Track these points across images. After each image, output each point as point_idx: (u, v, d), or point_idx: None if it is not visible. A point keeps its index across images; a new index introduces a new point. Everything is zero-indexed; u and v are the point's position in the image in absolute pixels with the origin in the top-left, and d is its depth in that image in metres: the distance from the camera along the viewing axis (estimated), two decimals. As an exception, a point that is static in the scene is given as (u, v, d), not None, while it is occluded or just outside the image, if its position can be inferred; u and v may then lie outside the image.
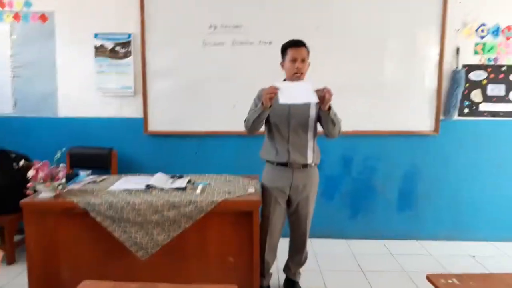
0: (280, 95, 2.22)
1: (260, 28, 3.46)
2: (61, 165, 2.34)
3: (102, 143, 3.59)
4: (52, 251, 2.30)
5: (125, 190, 2.40)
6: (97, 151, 3.54)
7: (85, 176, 2.71)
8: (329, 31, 3.45)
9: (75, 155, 3.54)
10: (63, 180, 2.32)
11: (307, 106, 2.41)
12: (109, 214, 2.19)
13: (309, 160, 2.46)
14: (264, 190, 2.51)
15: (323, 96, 2.23)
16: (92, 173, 2.84)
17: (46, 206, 2.25)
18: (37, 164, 2.27)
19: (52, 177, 2.28)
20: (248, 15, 3.45)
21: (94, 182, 2.61)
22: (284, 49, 2.44)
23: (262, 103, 2.28)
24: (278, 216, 2.52)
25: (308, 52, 2.43)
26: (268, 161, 2.54)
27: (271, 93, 2.23)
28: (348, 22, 3.46)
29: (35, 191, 2.30)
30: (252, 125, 2.40)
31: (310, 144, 2.47)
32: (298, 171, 2.46)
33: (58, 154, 2.36)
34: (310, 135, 2.46)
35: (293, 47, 2.39)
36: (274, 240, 2.57)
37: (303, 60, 2.37)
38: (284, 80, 2.47)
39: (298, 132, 2.43)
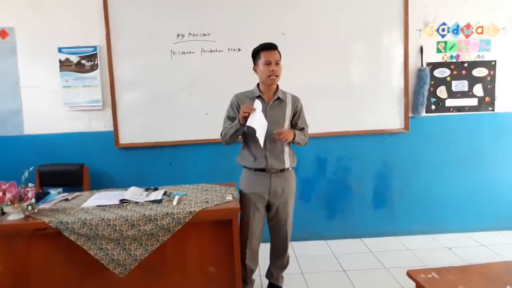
0: (250, 117, 2.30)
1: (228, 36, 3.46)
2: (30, 184, 2.26)
3: (72, 159, 3.48)
4: (24, 276, 2.21)
5: (99, 206, 2.33)
6: (68, 167, 3.44)
7: (56, 195, 2.62)
8: (295, 36, 3.48)
9: (44, 173, 3.42)
10: (33, 200, 2.24)
11: (282, 116, 2.47)
12: (83, 232, 2.12)
13: (287, 165, 2.49)
14: (242, 196, 2.51)
15: (279, 139, 2.35)
16: (64, 191, 2.75)
17: (16, 229, 2.16)
18: (3, 186, 2.18)
19: (20, 198, 2.19)
20: (216, 23, 3.45)
21: (66, 200, 2.53)
22: (257, 52, 2.44)
23: (239, 120, 2.34)
24: (258, 222, 2.52)
25: (280, 55, 2.44)
26: (245, 167, 2.54)
27: (247, 113, 2.29)
28: (313, 26, 3.50)
29: (3, 213, 2.21)
30: (229, 139, 2.46)
31: (286, 149, 2.50)
32: (275, 176, 2.47)
33: (26, 174, 2.28)
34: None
35: (266, 50, 2.40)
36: (254, 245, 2.56)
37: (277, 63, 2.39)
38: (258, 84, 2.49)
39: (274, 139, 2.42)
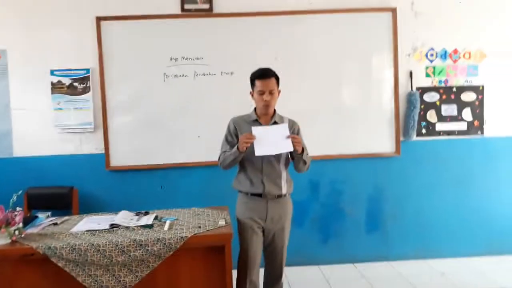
0: (256, 145, 2.27)
1: (221, 60, 3.49)
2: (18, 208, 2.21)
3: (62, 182, 3.43)
4: (9, 303, 2.14)
5: (88, 231, 2.28)
6: (57, 190, 3.39)
7: (44, 219, 2.57)
8: (287, 60, 3.52)
9: (33, 196, 3.36)
10: (20, 225, 2.18)
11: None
12: (72, 257, 2.07)
13: (284, 191, 2.45)
14: (238, 222, 2.45)
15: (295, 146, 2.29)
16: (53, 214, 2.71)
17: (2, 254, 2.09)
18: (-9, 210, 2.13)
19: (7, 222, 2.13)
20: (209, 47, 3.49)
21: (55, 224, 2.47)
22: (252, 79, 2.43)
23: (238, 148, 2.30)
24: (257, 247, 2.43)
25: (277, 80, 2.43)
26: (241, 191, 2.49)
27: (247, 142, 2.26)
28: (305, 51, 3.56)
29: (-11, 238, 2.14)
30: (228, 165, 2.42)
31: (284, 174, 2.46)
32: (272, 202, 2.43)
33: (14, 198, 2.23)
34: (282, 165, 2.46)
35: (261, 79, 2.37)
36: (255, 279, 2.46)
37: (271, 92, 2.36)
38: (255, 108, 2.49)
39: (271, 162, 2.41)
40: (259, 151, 2.28)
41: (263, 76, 2.38)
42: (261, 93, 2.36)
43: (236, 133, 2.44)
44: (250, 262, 2.41)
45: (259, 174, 2.40)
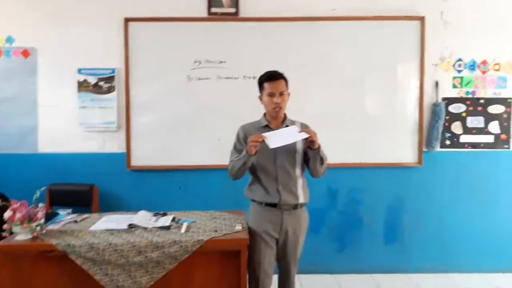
0: (268, 141, 2.19)
1: (244, 64, 3.50)
2: (40, 204, 2.26)
3: (83, 180, 3.50)
4: (28, 298, 2.18)
5: (107, 230, 2.31)
6: (78, 187, 3.45)
7: (65, 215, 2.62)
8: (313, 66, 3.52)
9: (55, 192, 3.44)
10: (42, 221, 2.23)
11: (293, 145, 2.31)
12: (90, 256, 2.10)
13: (301, 200, 2.35)
14: (251, 233, 2.34)
15: (310, 135, 2.18)
16: (73, 211, 2.75)
17: (23, 249, 2.14)
18: (15, 205, 2.18)
19: (30, 218, 2.18)
20: (232, 51, 3.50)
21: (75, 221, 2.52)
22: (261, 83, 2.35)
23: (247, 151, 2.20)
24: (270, 260, 2.34)
25: (286, 82, 2.35)
26: (254, 201, 2.41)
27: (257, 142, 2.16)
28: (330, 58, 3.54)
29: (11, 233, 2.20)
30: (237, 172, 2.31)
31: (300, 181, 2.36)
32: (287, 214, 2.33)
33: (38, 194, 2.28)
34: (298, 171, 2.36)
35: (270, 81, 2.30)
36: (267, 285, 2.36)
37: (281, 94, 2.29)
38: (264, 114, 2.44)
39: (286, 169, 2.32)
40: (273, 144, 2.18)
41: (272, 78, 2.31)
42: (271, 95, 2.29)
43: (246, 141, 2.28)
44: (262, 275, 2.32)
45: (274, 182, 2.32)
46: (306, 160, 2.39)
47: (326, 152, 2.38)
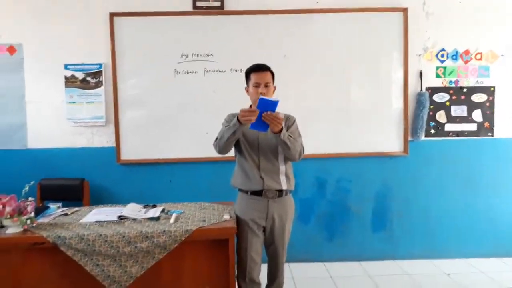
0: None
1: (231, 57, 3.53)
2: (30, 198, 2.28)
3: (73, 174, 3.52)
4: (19, 290, 2.21)
5: (97, 222, 2.35)
6: (69, 182, 3.47)
7: (55, 209, 2.64)
8: (297, 58, 3.56)
9: (46, 187, 3.45)
10: (32, 214, 2.26)
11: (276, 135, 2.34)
12: (81, 247, 2.14)
13: (283, 186, 2.40)
14: (238, 221, 2.40)
15: (270, 118, 2.15)
16: (64, 205, 2.77)
17: (14, 242, 2.17)
18: (4, 199, 2.20)
19: (20, 212, 2.21)
20: (219, 44, 3.53)
21: (65, 214, 2.55)
22: (248, 73, 2.40)
23: (239, 120, 2.19)
24: (257, 248, 2.40)
25: (272, 75, 2.40)
26: (241, 190, 2.47)
27: (250, 116, 2.13)
28: (314, 49, 3.57)
29: (2, 226, 2.22)
30: (225, 143, 2.29)
31: (282, 169, 2.41)
32: (273, 202, 2.39)
33: (27, 188, 2.30)
34: (281, 159, 2.41)
35: (256, 72, 2.35)
36: (255, 273, 2.43)
37: (266, 85, 2.33)
38: (250, 105, 2.45)
39: (268, 157, 2.38)
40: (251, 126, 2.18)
41: (259, 69, 2.36)
42: (257, 85, 2.33)
43: None
44: (249, 261, 2.39)
45: (257, 169, 2.37)
46: None
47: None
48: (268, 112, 2.14)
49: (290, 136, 2.31)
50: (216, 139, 2.38)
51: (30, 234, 2.18)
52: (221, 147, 2.34)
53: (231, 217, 2.41)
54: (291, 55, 3.55)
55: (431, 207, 3.75)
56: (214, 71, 3.54)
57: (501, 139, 3.72)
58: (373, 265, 3.63)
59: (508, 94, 3.69)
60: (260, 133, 2.38)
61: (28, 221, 2.23)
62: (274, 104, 2.14)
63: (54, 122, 3.55)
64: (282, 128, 2.22)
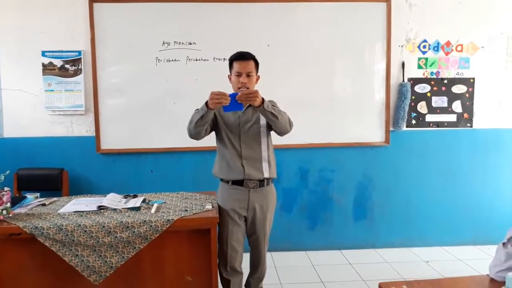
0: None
1: (214, 45, 3.49)
2: (5, 188, 2.22)
3: (52, 164, 3.45)
4: (-4, 281, 2.17)
5: (76, 212, 2.31)
6: (47, 172, 3.40)
7: (32, 199, 2.58)
8: (280, 48, 3.54)
9: (23, 177, 3.38)
10: (8, 205, 2.20)
11: (257, 120, 2.36)
12: (59, 238, 2.09)
13: (265, 174, 2.37)
14: (221, 211, 2.37)
15: (245, 97, 2.11)
16: (42, 195, 2.71)
17: (-12, 233, 2.12)
18: (-22, 189, 2.14)
19: (-5, 202, 2.15)
20: (202, 32, 3.48)
21: (43, 205, 2.49)
22: (231, 61, 2.36)
23: (207, 104, 2.16)
24: (238, 237, 2.40)
25: (256, 65, 2.36)
26: (222, 180, 2.44)
27: (220, 99, 2.10)
28: (298, 39, 3.56)
29: (-24, 217, 2.16)
30: (195, 127, 2.26)
31: (265, 155, 2.38)
32: (254, 192, 2.36)
33: (2, 177, 2.24)
34: (264, 146, 2.39)
35: (239, 61, 2.31)
36: (237, 262, 2.44)
37: (248, 74, 2.29)
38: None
39: (250, 144, 2.35)
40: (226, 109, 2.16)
41: (242, 57, 2.31)
42: (239, 74, 2.29)
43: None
44: (230, 250, 2.38)
45: (238, 157, 2.34)
46: (269, 126, 2.38)
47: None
48: (243, 91, 2.14)
49: (274, 106, 2.28)
50: (189, 122, 2.35)
51: (6, 225, 2.12)
52: (191, 132, 2.32)
53: (213, 207, 2.39)
54: (275, 45, 3.53)
55: (411, 196, 3.81)
56: (197, 60, 3.49)
57: (480, 129, 3.79)
58: (354, 254, 3.68)
59: (487, 85, 3.76)
60: (241, 120, 2.36)
61: (4, 212, 2.17)
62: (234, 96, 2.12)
63: (32, 111, 3.46)
64: (263, 99, 2.17)
